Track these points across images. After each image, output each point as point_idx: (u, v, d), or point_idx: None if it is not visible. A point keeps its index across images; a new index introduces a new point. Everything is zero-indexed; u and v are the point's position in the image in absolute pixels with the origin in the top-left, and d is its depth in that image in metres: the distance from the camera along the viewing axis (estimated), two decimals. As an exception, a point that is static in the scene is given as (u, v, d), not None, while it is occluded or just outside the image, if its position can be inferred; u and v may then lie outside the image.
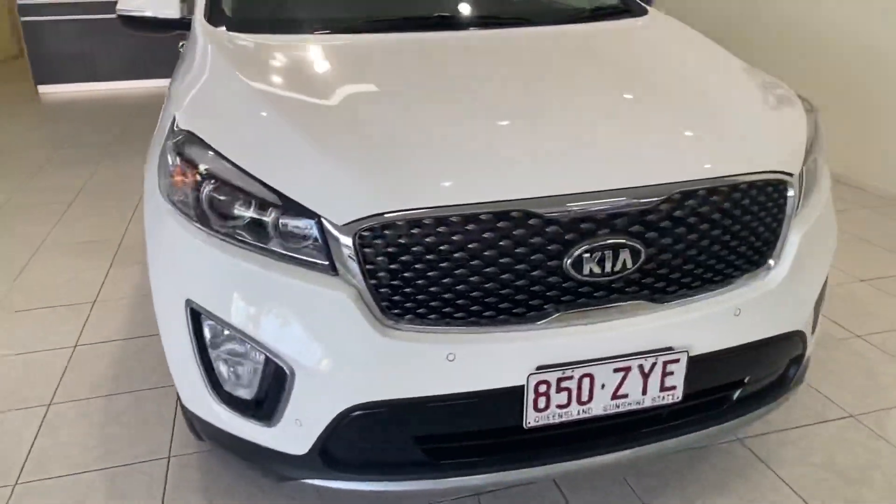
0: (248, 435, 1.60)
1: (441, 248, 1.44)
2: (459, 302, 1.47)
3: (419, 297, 1.46)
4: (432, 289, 1.46)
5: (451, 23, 2.44)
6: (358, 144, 1.57)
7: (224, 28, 2.25)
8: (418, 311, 1.47)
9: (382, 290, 1.46)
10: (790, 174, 1.68)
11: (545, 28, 2.37)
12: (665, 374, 1.57)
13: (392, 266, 1.44)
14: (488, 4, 2.64)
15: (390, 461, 1.60)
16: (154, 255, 1.72)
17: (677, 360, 1.57)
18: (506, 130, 1.64)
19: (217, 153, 1.57)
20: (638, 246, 1.50)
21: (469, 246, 1.44)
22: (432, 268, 1.45)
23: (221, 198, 1.54)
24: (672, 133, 1.68)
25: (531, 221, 1.45)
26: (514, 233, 1.45)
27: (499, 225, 1.44)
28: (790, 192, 1.67)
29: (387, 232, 1.43)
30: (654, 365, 1.55)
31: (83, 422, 2.29)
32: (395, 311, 1.47)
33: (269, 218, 1.50)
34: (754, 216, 1.63)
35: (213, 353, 1.60)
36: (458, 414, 1.52)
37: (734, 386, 1.75)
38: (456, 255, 1.44)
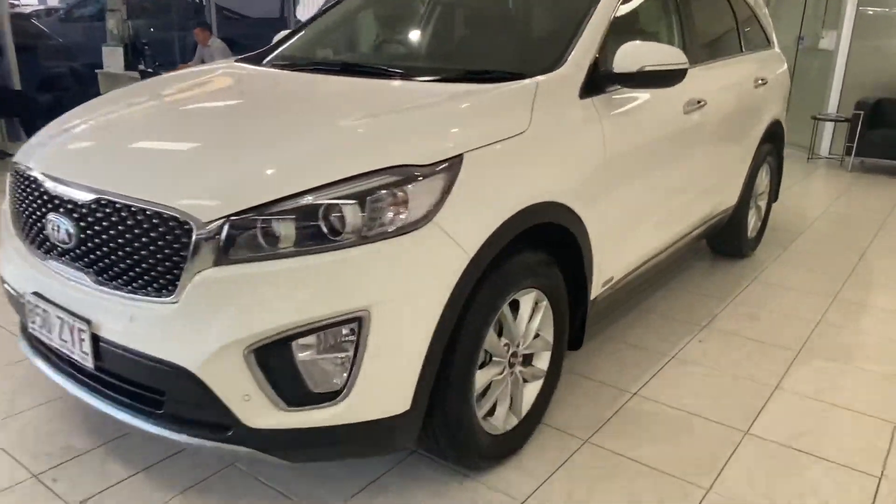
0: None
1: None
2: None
3: None
4: None
5: (359, 71, 2.80)
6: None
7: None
8: None
9: None
10: (197, 219, 1.78)
11: (409, 83, 2.54)
12: (80, 339, 1.98)
13: None
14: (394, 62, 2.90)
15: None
16: None
17: (84, 331, 1.95)
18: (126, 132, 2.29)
19: None
20: (70, 228, 1.97)
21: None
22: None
23: None
24: (164, 161, 2.05)
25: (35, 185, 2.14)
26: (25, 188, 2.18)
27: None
28: (194, 236, 1.78)
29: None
30: (72, 326, 1.99)
31: None
32: None
33: None
34: (151, 244, 1.85)
35: None
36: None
37: (155, 392, 1.95)
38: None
